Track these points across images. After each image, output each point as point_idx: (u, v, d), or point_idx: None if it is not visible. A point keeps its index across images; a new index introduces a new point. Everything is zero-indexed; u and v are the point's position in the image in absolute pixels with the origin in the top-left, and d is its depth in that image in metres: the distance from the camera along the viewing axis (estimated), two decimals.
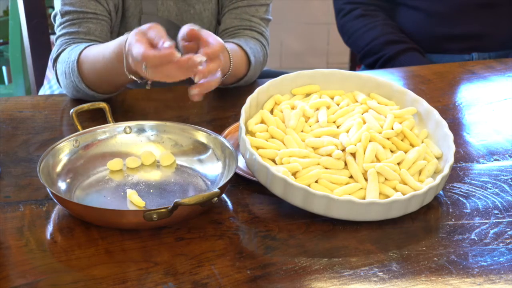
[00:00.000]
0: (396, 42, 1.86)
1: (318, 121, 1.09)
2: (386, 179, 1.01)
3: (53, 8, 1.45)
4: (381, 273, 0.88)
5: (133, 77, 1.17)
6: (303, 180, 0.99)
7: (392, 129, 1.07)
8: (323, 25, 3.44)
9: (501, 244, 0.94)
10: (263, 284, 0.86)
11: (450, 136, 1.07)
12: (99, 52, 1.25)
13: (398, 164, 1.04)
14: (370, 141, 1.04)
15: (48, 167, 1.02)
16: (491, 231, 0.97)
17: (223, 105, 1.20)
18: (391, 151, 1.06)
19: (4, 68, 2.72)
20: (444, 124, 1.09)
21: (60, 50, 1.34)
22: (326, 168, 1.02)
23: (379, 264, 0.90)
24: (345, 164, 1.02)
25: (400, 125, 1.07)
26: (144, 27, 1.08)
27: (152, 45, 1.06)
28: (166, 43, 1.03)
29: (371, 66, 1.91)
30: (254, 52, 1.37)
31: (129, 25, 1.45)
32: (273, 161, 1.03)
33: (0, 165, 1.11)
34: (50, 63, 1.37)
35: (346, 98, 1.14)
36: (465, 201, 1.04)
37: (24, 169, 1.11)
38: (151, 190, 1.04)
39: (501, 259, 0.91)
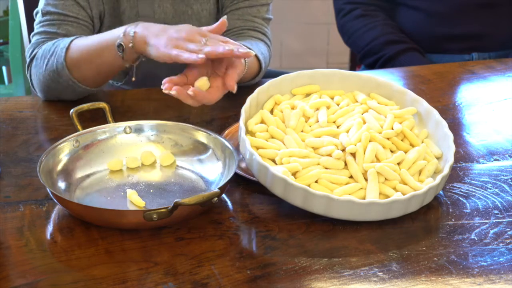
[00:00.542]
0: (396, 42, 1.86)
1: (318, 121, 1.09)
2: (386, 179, 1.01)
3: None
4: (381, 273, 0.88)
5: (121, 45, 1.20)
6: (303, 180, 0.99)
7: (392, 129, 1.07)
8: (323, 25, 3.44)
9: (501, 244, 0.94)
10: (263, 284, 0.86)
11: (450, 136, 1.07)
12: (94, 36, 1.27)
13: (398, 164, 1.04)
14: (370, 141, 1.04)
15: (48, 167, 1.02)
16: (491, 231, 0.97)
17: (223, 105, 1.20)
18: (391, 151, 1.06)
19: (4, 68, 2.72)
20: (444, 124, 1.09)
21: (36, 48, 1.34)
22: (326, 168, 1.02)
23: (379, 264, 0.90)
24: (345, 164, 1.02)
25: (400, 125, 1.07)
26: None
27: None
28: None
29: (371, 66, 1.91)
30: (264, 58, 1.38)
31: None
32: (273, 161, 1.03)
33: (0, 165, 1.11)
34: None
35: (346, 98, 1.14)
36: (465, 201, 1.04)
37: (24, 169, 1.11)
38: (151, 190, 1.04)
39: (501, 259, 0.91)
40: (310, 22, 3.44)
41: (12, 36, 2.29)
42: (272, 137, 1.06)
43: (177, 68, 1.52)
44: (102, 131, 1.11)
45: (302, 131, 1.07)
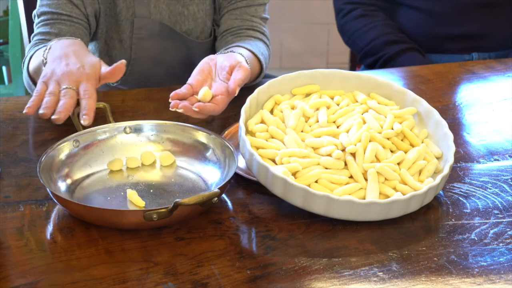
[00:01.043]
0: (396, 42, 1.86)
1: (318, 121, 1.09)
2: (386, 179, 1.01)
3: None
4: (381, 273, 0.88)
5: None
6: (303, 180, 0.99)
7: (392, 129, 1.07)
8: (323, 25, 3.44)
9: (501, 244, 0.94)
10: (263, 284, 0.86)
11: (450, 136, 1.07)
12: (35, 59, 1.27)
13: (398, 164, 1.04)
14: (370, 141, 1.04)
15: (48, 167, 1.02)
16: (491, 231, 0.97)
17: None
18: (391, 151, 1.06)
19: (4, 68, 2.71)
20: (444, 124, 1.09)
21: (30, 49, 1.35)
22: (326, 168, 1.02)
23: (379, 264, 0.90)
24: (345, 164, 1.02)
25: (400, 125, 1.07)
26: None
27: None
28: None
29: (371, 66, 1.91)
30: (265, 58, 1.38)
31: (121, 29, 1.46)
32: (273, 161, 1.03)
33: (0, 165, 1.11)
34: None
35: (346, 98, 1.14)
36: (465, 201, 1.04)
37: (24, 169, 1.11)
38: (151, 190, 1.04)
39: (501, 259, 0.91)
40: (310, 22, 3.44)
41: (12, 36, 2.28)
42: (272, 137, 1.06)
43: (174, 68, 1.52)
44: (102, 131, 1.11)
45: (302, 131, 1.07)
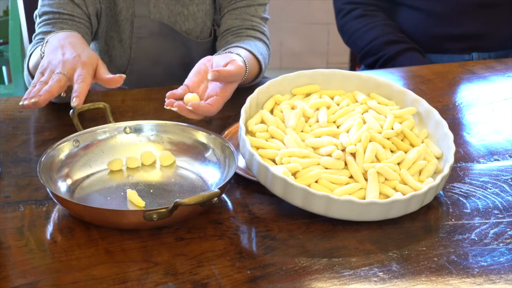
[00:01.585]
0: (396, 42, 1.86)
1: (318, 121, 1.09)
2: (386, 179, 1.01)
3: None
4: (381, 273, 0.88)
5: None
6: (303, 180, 0.99)
7: (392, 129, 1.07)
8: (323, 25, 3.44)
9: (501, 244, 0.94)
10: (263, 284, 0.86)
11: (450, 136, 1.07)
12: (35, 55, 1.26)
13: (398, 164, 1.04)
14: (370, 141, 1.04)
15: (48, 167, 1.02)
16: (491, 231, 0.97)
17: (223, 105, 1.20)
18: (391, 151, 1.06)
19: (4, 68, 2.71)
20: (444, 124, 1.09)
21: (31, 48, 1.34)
22: (326, 168, 1.02)
23: (379, 264, 0.90)
24: (345, 164, 1.02)
25: (400, 125, 1.07)
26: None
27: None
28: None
29: (371, 66, 1.91)
30: (264, 58, 1.38)
31: (121, 28, 1.46)
32: (273, 161, 1.03)
33: (0, 165, 1.11)
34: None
35: (346, 98, 1.14)
36: (465, 201, 1.04)
37: (24, 169, 1.11)
38: (151, 190, 1.04)
39: (501, 259, 0.91)
40: (310, 22, 3.43)
41: (12, 36, 2.29)
42: (272, 137, 1.06)
43: (174, 67, 1.52)
44: (102, 131, 1.11)
45: (302, 131, 1.07)
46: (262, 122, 1.08)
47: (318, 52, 3.48)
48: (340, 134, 1.05)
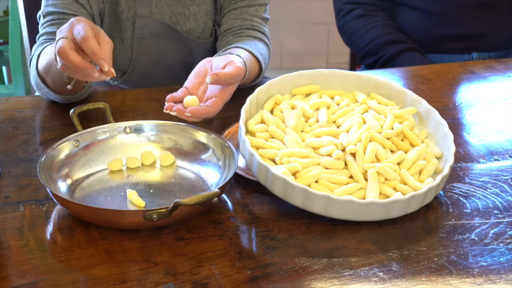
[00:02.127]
0: (396, 42, 1.86)
1: (318, 121, 1.09)
2: (386, 179, 1.01)
3: None
4: (381, 273, 0.88)
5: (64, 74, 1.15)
6: (303, 180, 0.99)
7: (392, 129, 1.07)
8: (323, 25, 3.44)
9: (501, 244, 0.94)
10: (263, 284, 0.86)
11: (450, 136, 1.07)
12: (48, 50, 1.24)
13: (398, 164, 1.04)
14: (370, 141, 1.04)
15: (48, 167, 1.02)
16: (491, 231, 0.97)
17: (224, 105, 1.20)
18: (391, 151, 1.06)
19: (4, 68, 2.71)
20: (444, 124, 1.09)
21: (36, 49, 1.34)
22: (326, 168, 1.02)
23: (379, 264, 0.90)
24: (345, 164, 1.02)
25: (400, 125, 1.07)
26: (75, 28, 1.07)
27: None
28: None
29: (371, 66, 1.91)
30: (264, 59, 1.38)
31: (123, 28, 1.46)
32: (273, 161, 1.03)
33: (0, 165, 1.11)
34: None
35: (346, 98, 1.14)
36: (465, 201, 1.04)
37: (24, 169, 1.11)
38: (151, 190, 1.04)
39: (501, 259, 0.91)
40: (310, 22, 3.43)
41: (12, 36, 2.29)
42: (272, 137, 1.06)
43: (175, 67, 1.52)
44: (102, 131, 1.11)
45: (302, 131, 1.07)
46: (262, 122, 1.08)
47: (318, 52, 3.48)
48: (340, 134, 1.05)
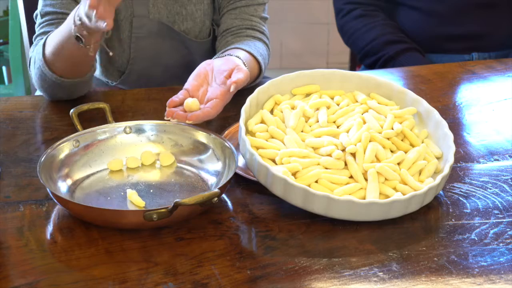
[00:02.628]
0: (396, 42, 1.86)
1: (318, 121, 1.09)
2: (386, 179, 1.01)
3: None
4: (381, 273, 0.88)
5: (78, 36, 1.16)
6: (303, 180, 0.99)
7: (392, 129, 1.07)
8: (323, 25, 3.44)
9: (501, 244, 0.94)
10: (263, 284, 0.86)
11: (450, 136, 1.07)
12: (58, 29, 1.24)
13: (398, 164, 1.04)
14: (370, 141, 1.04)
15: (48, 167, 1.02)
16: (491, 231, 0.97)
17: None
18: (391, 151, 1.06)
19: (4, 68, 2.71)
20: (444, 124, 1.09)
21: (34, 48, 1.34)
22: (326, 168, 1.02)
23: (379, 264, 0.90)
24: (345, 164, 1.02)
25: (400, 125, 1.07)
26: None
27: None
28: None
29: (371, 66, 1.91)
30: (264, 59, 1.38)
31: (121, 28, 1.46)
32: (273, 161, 1.03)
33: (0, 165, 1.11)
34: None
35: (346, 98, 1.14)
36: (465, 201, 1.04)
37: (24, 169, 1.11)
38: (151, 190, 1.04)
39: (501, 259, 0.91)
40: (310, 22, 3.43)
41: (12, 36, 2.28)
42: (272, 137, 1.06)
43: (173, 67, 1.52)
44: (102, 131, 1.11)
45: (302, 131, 1.07)
46: (262, 122, 1.08)
47: (318, 52, 3.48)
48: (340, 134, 1.05)
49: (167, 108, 1.15)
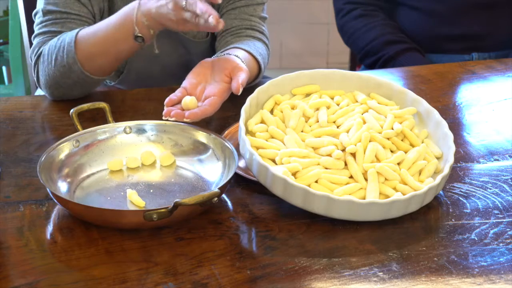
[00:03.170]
0: (396, 42, 1.86)
1: (318, 121, 1.09)
2: (386, 179, 1.01)
3: None
4: (381, 273, 0.88)
5: (140, 36, 1.22)
6: (303, 180, 0.99)
7: (392, 129, 1.07)
8: (323, 25, 3.44)
9: (501, 244, 0.94)
10: (263, 284, 0.86)
11: (450, 136, 1.07)
12: (101, 24, 1.28)
13: (398, 164, 1.04)
14: (370, 141, 1.04)
15: (48, 167, 1.02)
16: (491, 231, 0.97)
17: (223, 105, 1.20)
18: (391, 151, 1.06)
19: (4, 68, 2.71)
20: (444, 124, 1.09)
21: (42, 46, 1.33)
22: (326, 168, 1.02)
23: (379, 264, 0.90)
24: (345, 164, 1.02)
25: (400, 125, 1.07)
26: None
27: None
28: None
29: (371, 66, 1.91)
30: (263, 58, 1.38)
31: None
32: (273, 161, 1.03)
33: (0, 165, 1.11)
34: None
35: (346, 98, 1.14)
36: (465, 201, 1.04)
37: (24, 169, 1.11)
38: (151, 190, 1.04)
39: (501, 259, 0.91)
40: (310, 22, 3.43)
41: (12, 36, 2.28)
42: (272, 137, 1.06)
43: (171, 66, 1.52)
44: (102, 131, 1.11)
45: (302, 131, 1.07)
46: (262, 122, 1.08)
47: (318, 52, 3.48)
48: (340, 134, 1.05)
49: (165, 107, 1.15)
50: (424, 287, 0.86)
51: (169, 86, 1.41)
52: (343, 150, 1.03)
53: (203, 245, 0.93)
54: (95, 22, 1.40)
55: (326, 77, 1.16)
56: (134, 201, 1.00)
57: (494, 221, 1.00)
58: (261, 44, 1.43)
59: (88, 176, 1.07)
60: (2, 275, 0.87)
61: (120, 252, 0.91)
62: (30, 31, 1.76)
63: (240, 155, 1.05)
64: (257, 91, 1.10)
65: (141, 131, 1.13)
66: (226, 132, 1.20)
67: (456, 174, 1.11)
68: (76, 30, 1.29)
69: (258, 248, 0.93)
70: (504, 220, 1.00)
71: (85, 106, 1.17)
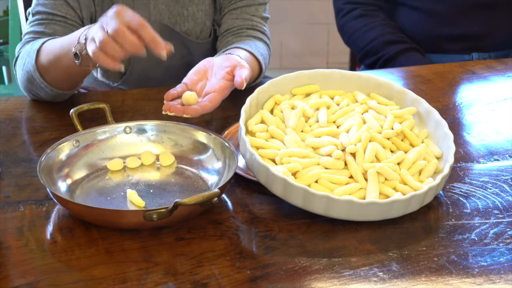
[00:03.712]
0: (396, 42, 1.86)
1: (318, 121, 1.09)
2: (386, 179, 1.01)
3: None
4: (381, 273, 0.88)
5: (76, 54, 1.14)
6: (303, 180, 0.99)
7: (392, 129, 1.07)
8: (323, 25, 3.44)
9: (501, 244, 0.94)
10: (263, 284, 0.86)
11: (450, 136, 1.07)
12: (59, 40, 1.24)
13: (398, 164, 1.04)
14: (370, 141, 1.04)
15: (48, 167, 1.02)
16: (491, 231, 0.97)
17: (223, 105, 1.20)
18: (391, 151, 1.06)
19: (4, 68, 2.71)
20: (444, 124, 1.09)
21: (22, 47, 1.34)
22: (326, 168, 1.02)
23: (379, 264, 0.90)
24: (345, 164, 1.02)
25: (400, 125, 1.07)
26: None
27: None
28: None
29: (371, 66, 1.91)
30: (264, 58, 1.39)
31: None
32: (273, 161, 1.03)
33: (0, 165, 1.11)
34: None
35: (346, 98, 1.14)
36: (465, 201, 1.04)
37: (24, 169, 1.11)
38: (151, 190, 1.04)
39: (501, 259, 0.91)
40: (310, 22, 3.43)
41: (12, 36, 2.29)
42: (272, 137, 1.06)
43: (174, 68, 1.52)
44: (102, 131, 1.11)
45: (302, 131, 1.07)
46: (262, 122, 1.08)
47: (318, 52, 3.48)
48: (340, 134, 1.05)
49: (164, 101, 1.15)
50: (424, 287, 0.86)
51: (169, 86, 1.40)
52: (343, 150, 1.03)
53: (203, 245, 0.93)
54: (82, 26, 1.40)
55: (326, 77, 1.16)
56: (134, 201, 1.00)
57: (494, 221, 1.00)
58: (262, 44, 1.43)
59: (88, 176, 1.07)
60: (2, 275, 0.87)
61: (120, 252, 0.91)
62: None
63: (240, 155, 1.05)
64: (257, 91, 1.10)
65: (141, 131, 1.13)
66: (226, 132, 1.20)
67: (456, 174, 1.11)
68: (45, 39, 1.28)
69: (258, 248, 0.93)
70: (504, 220, 1.00)
71: (85, 106, 1.17)
